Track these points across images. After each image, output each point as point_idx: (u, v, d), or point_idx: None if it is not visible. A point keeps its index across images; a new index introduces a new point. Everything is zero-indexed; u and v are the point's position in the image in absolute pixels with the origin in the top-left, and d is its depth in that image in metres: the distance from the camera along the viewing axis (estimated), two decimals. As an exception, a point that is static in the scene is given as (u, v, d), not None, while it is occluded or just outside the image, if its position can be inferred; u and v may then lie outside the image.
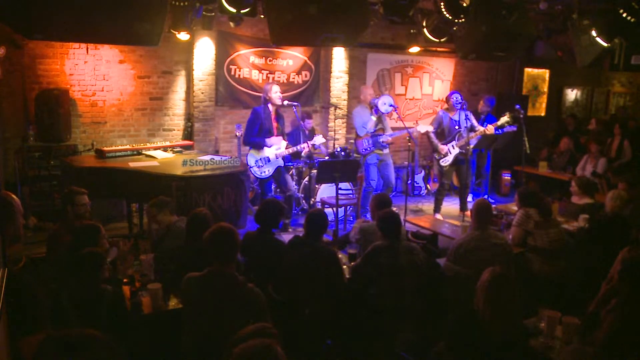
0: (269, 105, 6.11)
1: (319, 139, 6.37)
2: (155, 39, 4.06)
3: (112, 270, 3.46)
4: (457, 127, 6.83)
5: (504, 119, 6.80)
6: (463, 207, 7.19)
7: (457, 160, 6.93)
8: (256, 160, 6.14)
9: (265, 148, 6.10)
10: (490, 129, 6.76)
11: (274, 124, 6.19)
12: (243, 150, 6.63)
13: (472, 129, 6.88)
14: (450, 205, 7.90)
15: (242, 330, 1.98)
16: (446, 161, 6.93)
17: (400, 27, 7.24)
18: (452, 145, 6.87)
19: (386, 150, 6.90)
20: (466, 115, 6.85)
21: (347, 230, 5.78)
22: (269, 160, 6.12)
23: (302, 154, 6.54)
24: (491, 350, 2.38)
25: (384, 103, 6.68)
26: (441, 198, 7.18)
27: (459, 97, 6.83)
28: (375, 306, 3.51)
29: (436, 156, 7.07)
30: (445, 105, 7.14)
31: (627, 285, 2.75)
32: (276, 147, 6.16)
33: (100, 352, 1.62)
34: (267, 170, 6.15)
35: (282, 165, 6.25)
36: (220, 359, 1.95)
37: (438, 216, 7.01)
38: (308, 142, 6.29)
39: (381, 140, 6.76)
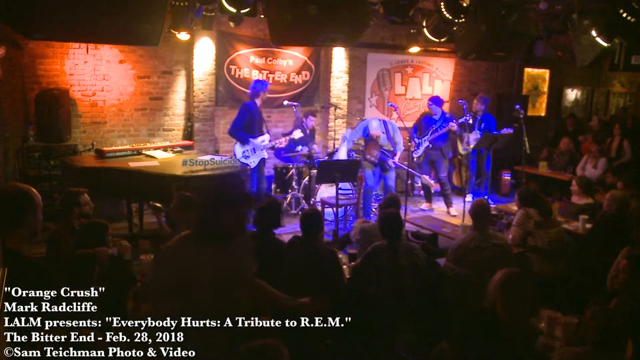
0: (257, 100, 6.32)
1: (297, 134, 6.71)
2: (155, 39, 4.07)
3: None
4: (433, 126, 7.30)
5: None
6: (447, 203, 7.63)
7: (430, 156, 7.38)
8: (243, 152, 6.33)
9: (251, 140, 6.30)
10: (453, 125, 7.20)
11: (262, 117, 6.50)
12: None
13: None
14: (453, 205, 7.87)
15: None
16: (417, 153, 7.39)
17: (400, 27, 7.25)
18: (425, 140, 7.30)
19: (390, 172, 7.00)
20: (450, 117, 7.37)
21: (347, 230, 5.78)
22: (254, 151, 6.34)
23: (279, 145, 6.82)
24: (502, 349, 2.38)
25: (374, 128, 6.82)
26: (429, 188, 7.59)
27: (433, 102, 7.34)
28: (375, 306, 3.50)
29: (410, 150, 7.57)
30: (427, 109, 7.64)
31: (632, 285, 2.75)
32: (261, 140, 6.38)
33: None
34: (253, 162, 6.35)
35: (265, 157, 6.54)
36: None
37: (424, 206, 7.63)
38: (287, 137, 6.80)
39: (388, 162, 6.83)
